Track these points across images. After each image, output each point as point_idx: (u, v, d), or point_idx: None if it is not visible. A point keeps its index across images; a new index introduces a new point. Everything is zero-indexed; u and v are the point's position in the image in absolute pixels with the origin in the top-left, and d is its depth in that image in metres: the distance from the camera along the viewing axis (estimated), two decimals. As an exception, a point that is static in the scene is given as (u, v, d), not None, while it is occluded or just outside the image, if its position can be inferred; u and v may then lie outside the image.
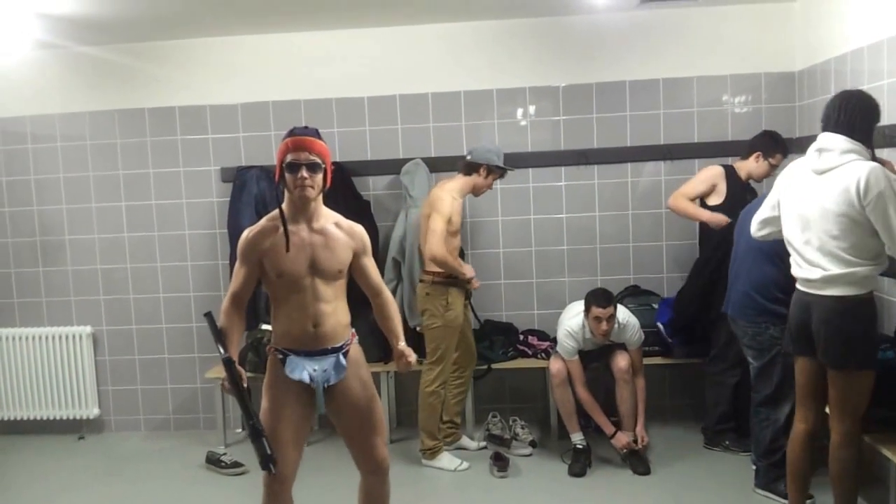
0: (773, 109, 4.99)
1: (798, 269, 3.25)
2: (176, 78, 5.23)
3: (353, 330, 3.16)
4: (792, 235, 3.26)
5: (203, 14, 4.64)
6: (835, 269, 3.08)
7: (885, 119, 3.80)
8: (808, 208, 3.15)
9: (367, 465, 3.17)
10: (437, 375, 4.48)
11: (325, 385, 3.02)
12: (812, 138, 3.30)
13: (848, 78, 4.23)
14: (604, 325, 4.30)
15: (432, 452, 4.54)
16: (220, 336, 2.93)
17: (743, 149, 4.55)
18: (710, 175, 4.48)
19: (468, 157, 4.48)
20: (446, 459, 4.55)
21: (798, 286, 3.28)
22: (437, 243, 4.24)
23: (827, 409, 3.48)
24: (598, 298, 4.33)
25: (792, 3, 4.91)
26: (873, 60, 3.96)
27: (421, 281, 4.50)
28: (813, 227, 3.14)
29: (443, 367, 4.48)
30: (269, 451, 2.83)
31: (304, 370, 2.98)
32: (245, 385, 2.88)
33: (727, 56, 5.01)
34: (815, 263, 3.14)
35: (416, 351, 4.81)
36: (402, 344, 3.16)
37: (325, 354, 3.01)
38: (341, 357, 3.04)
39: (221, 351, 2.90)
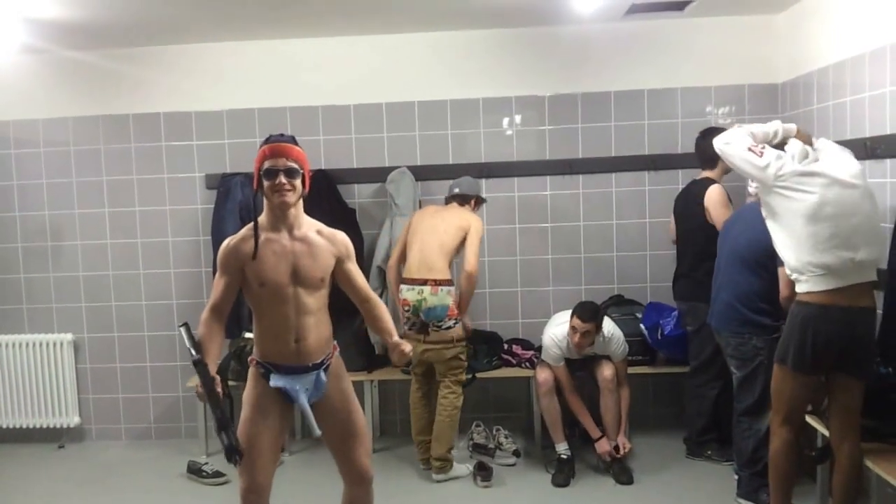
0: (756, 121, 4.91)
1: (842, 287, 3.09)
2: (161, 84, 5.21)
3: (335, 342, 3.15)
4: (843, 247, 3.08)
5: (190, 20, 4.62)
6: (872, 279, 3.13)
7: (867, 132, 3.86)
8: (855, 217, 3.10)
9: (350, 476, 3.15)
10: (461, 391, 4.53)
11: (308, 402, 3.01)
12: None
13: (830, 90, 4.27)
14: (577, 338, 4.30)
15: (451, 464, 4.51)
16: (194, 342, 2.89)
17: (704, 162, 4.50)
18: (723, 196, 4.31)
19: (457, 190, 4.62)
20: (458, 468, 4.54)
21: (840, 303, 3.08)
22: (476, 261, 4.45)
23: (808, 419, 3.51)
24: (583, 311, 4.32)
25: (775, 15, 4.96)
26: (855, 73, 4.00)
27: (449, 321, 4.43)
28: (861, 236, 3.09)
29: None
30: (234, 443, 2.78)
31: (286, 387, 2.98)
32: (219, 389, 2.83)
33: (711, 67, 5.05)
34: (865, 276, 3.11)
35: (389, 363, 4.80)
36: (396, 337, 3.14)
37: (306, 372, 3.00)
38: (322, 374, 3.03)
39: (193, 353, 2.85)
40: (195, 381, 2.87)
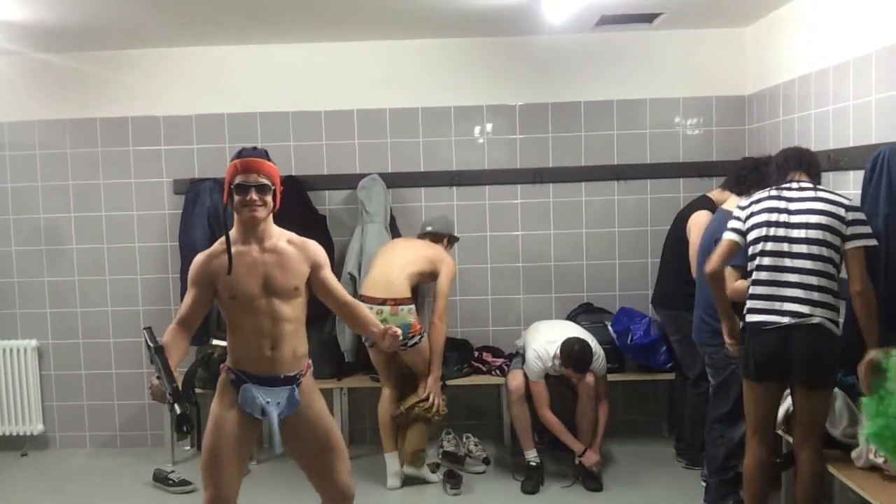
0: (723, 132, 5.10)
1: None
2: (130, 88, 5.15)
3: (310, 361, 3.13)
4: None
5: (159, 24, 4.58)
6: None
7: (831, 144, 3.94)
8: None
9: (329, 494, 3.11)
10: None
11: (279, 417, 2.96)
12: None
13: (796, 103, 4.35)
14: (573, 380, 4.41)
15: (423, 461, 4.54)
16: (154, 339, 2.79)
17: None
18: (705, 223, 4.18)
19: (429, 229, 4.67)
20: (428, 472, 4.56)
21: (770, 318, 3.19)
22: (444, 306, 4.43)
23: (780, 432, 3.55)
24: (577, 364, 4.29)
25: (743, 28, 5.04)
26: (820, 86, 4.08)
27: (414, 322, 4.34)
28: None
29: None
30: (187, 412, 2.63)
31: (256, 402, 2.93)
32: (174, 369, 2.72)
33: (680, 79, 5.11)
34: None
35: (370, 368, 4.76)
36: (381, 326, 3.10)
37: (277, 385, 2.96)
38: (295, 390, 2.99)
39: (149, 343, 2.75)
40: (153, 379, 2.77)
